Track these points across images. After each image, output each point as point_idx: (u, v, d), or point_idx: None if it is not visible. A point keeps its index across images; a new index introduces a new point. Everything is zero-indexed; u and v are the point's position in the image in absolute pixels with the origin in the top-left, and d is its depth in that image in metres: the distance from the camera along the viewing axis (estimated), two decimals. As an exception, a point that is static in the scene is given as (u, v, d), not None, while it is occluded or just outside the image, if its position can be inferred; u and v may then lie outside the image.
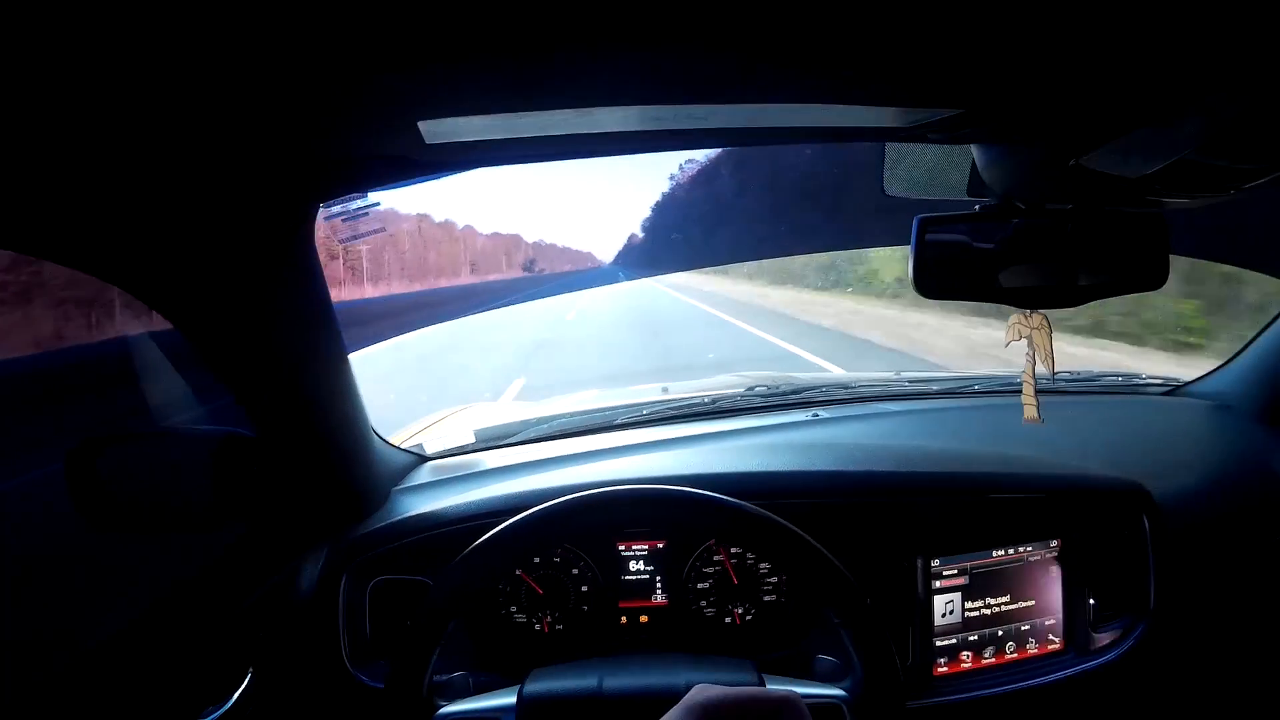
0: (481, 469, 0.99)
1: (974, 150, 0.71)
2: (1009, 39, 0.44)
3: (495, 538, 0.68)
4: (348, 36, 0.36)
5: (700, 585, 0.89)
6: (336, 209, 0.67)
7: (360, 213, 0.68)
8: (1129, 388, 1.23)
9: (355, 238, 0.74)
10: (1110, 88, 0.53)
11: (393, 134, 0.50)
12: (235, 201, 0.60)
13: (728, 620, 0.89)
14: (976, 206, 0.73)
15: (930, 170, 0.76)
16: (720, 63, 0.46)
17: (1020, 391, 1.16)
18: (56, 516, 0.89)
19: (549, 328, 11.05)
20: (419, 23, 0.34)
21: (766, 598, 0.88)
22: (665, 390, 1.28)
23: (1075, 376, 1.24)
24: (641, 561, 0.88)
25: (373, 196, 0.65)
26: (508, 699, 0.69)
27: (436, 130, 0.49)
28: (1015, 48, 0.46)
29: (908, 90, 0.55)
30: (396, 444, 1.02)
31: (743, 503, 0.69)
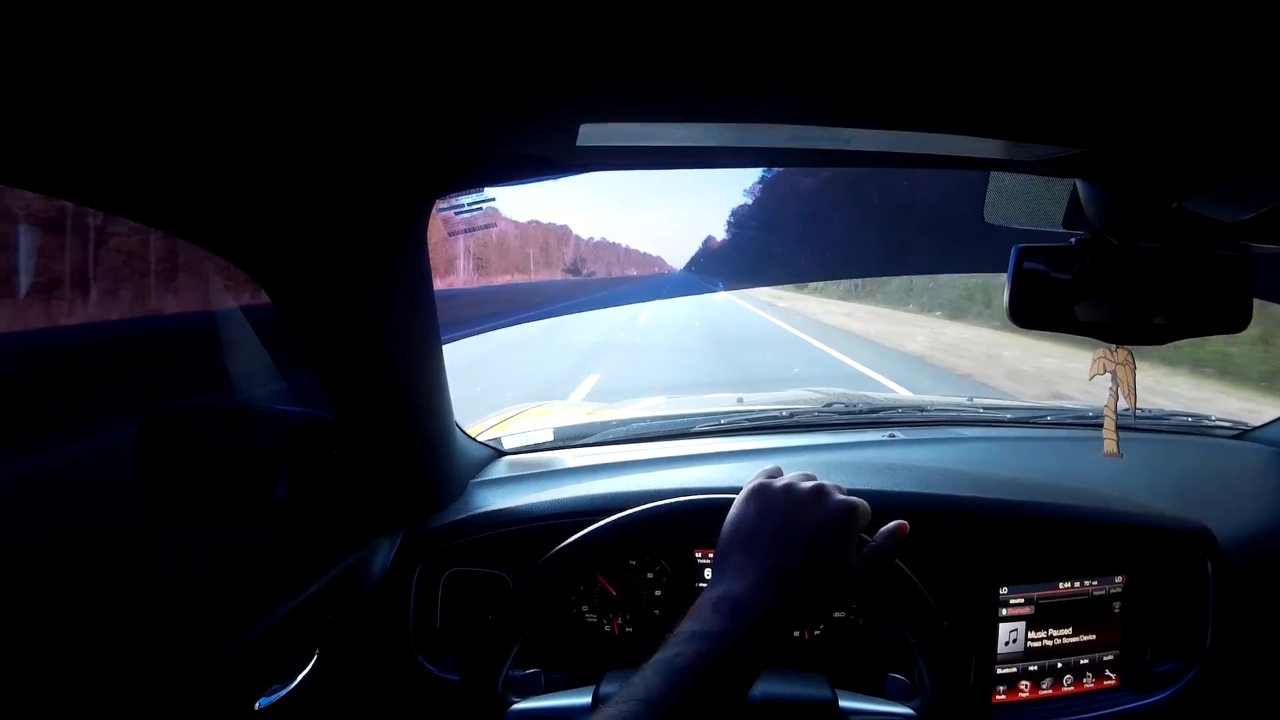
0: (559, 467, 1.02)
1: (1078, 184, 0.73)
2: (1136, 81, 0.47)
3: (583, 540, 0.70)
4: (527, 38, 0.38)
5: None
6: (448, 202, 0.70)
7: (475, 207, 0.70)
8: (1197, 429, 1.25)
9: (468, 231, 0.77)
10: (1225, 137, 0.56)
11: (548, 136, 0.53)
12: (362, 186, 0.63)
13: (797, 634, 0.91)
14: (1072, 239, 0.75)
15: (1030, 201, 0.79)
16: (867, 89, 0.49)
17: (1091, 425, 1.20)
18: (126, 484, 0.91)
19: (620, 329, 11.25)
20: (601, 28, 0.37)
21: (836, 614, 0.91)
22: (740, 400, 1.31)
23: (1145, 414, 1.26)
24: None
25: (487, 192, 0.68)
26: (582, 699, 0.72)
27: (593, 134, 0.52)
28: (1145, 92, 0.49)
29: (1032, 127, 0.58)
30: (474, 436, 1.05)
31: None
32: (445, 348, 0.84)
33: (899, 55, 0.42)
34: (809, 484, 0.62)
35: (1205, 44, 0.39)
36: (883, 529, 0.63)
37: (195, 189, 0.58)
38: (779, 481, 0.62)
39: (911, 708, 0.73)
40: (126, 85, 0.42)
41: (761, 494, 0.61)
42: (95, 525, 0.91)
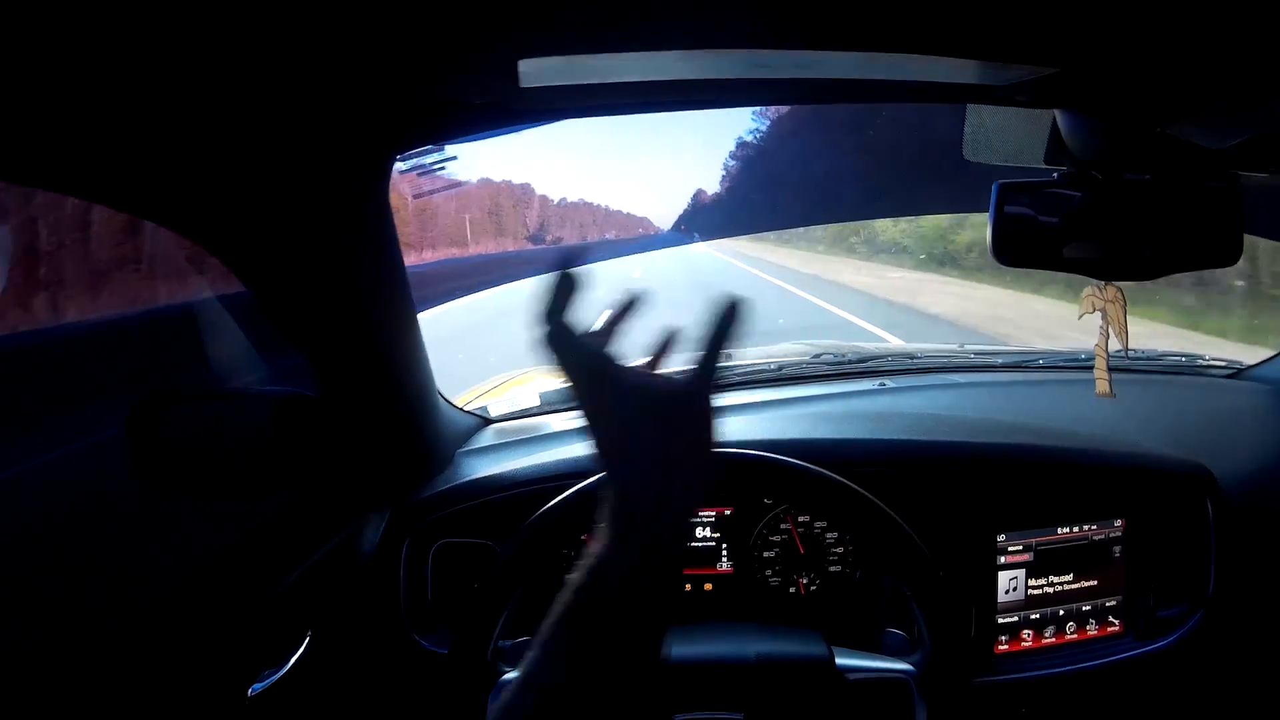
0: (546, 431, 1.02)
1: (1058, 115, 0.72)
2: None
3: (564, 501, 0.70)
4: None
5: (766, 554, 0.91)
6: (410, 163, 0.69)
7: (437, 166, 0.69)
8: (1192, 368, 1.25)
9: (430, 193, 0.76)
10: (1208, 56, 0.55)
11: (489, 76, 0.52)
12: (313, 151, 0.62)
13: (792, 590, 0.91)
14: (1055, 174, 0.74)
15: (1010, 136, 0.78)
16: (829, 4, 0.47)
17: (1083, 367, 1.19)
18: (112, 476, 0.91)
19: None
20: None
21: (832, 568, 0.90)
22: (729, 355, 1.30)
23: (1137, 354, 1.26)
24: (708, 528, 0.90)
25: (448, 150, 0.67)
26: None
27: (535, 71, 0.50)
28: (1119, 6, 0.48)
29: (1007, 45, 0.57)
30: (460, 406, 1.04)
31: (821, 469, 0.71)
32: (431, 316, 0.83)
33: None
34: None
35: None
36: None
37: (151, 167, 0.57)
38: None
39: (910, 663, 0.72)
40: (70, 54, 0.41)
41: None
42: (83, 513, 0.91)
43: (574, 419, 1.07)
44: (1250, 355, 1.25)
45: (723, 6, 0.45)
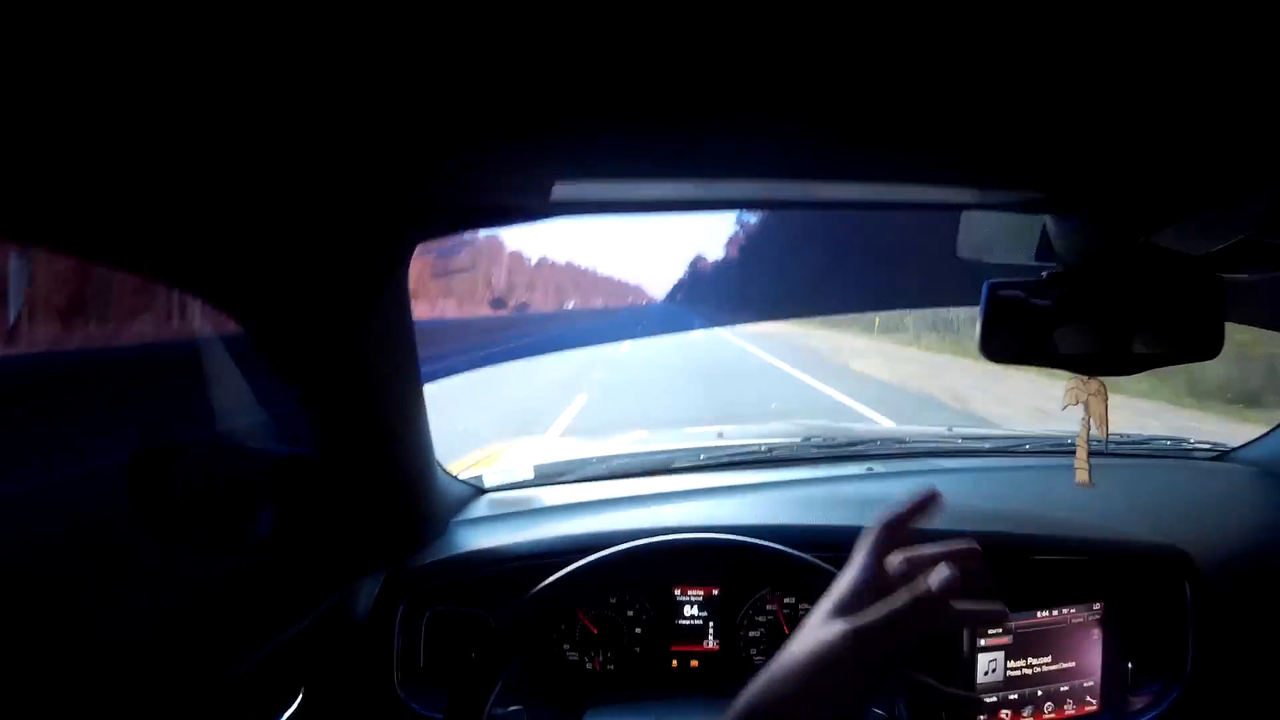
0: (540, 506, 1.05)
1: (1047, 221, 0.76)
2: (1096, 126, 0.50)
3: (564, 579, 0.72)
4: (506, 101, 0.40)
5: (752, 633, 0.93)
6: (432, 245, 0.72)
7: (455, 249, 0.72)
8: (1177, 452, 1.28)
9: (447, 274, 0.79)
10: (1189, 172, 0.59)
11: (525, 191, 0.55)
12: (345, 230, 0.65)
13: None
14: (1043, 273, 0.78)
15: (1001, 237, 0.81)
16: (830, 146, 0.52)
17: (1068, 453, 1.22)
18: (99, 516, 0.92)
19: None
20: (573, 90, 0.39)
21: None
22: (720, 435, 1.33)
23: (1124, 439, 1.29)
24: (696, 607, 0.93)
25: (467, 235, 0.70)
26: None
27: (566, 190, 0.54)
28: (1102, 134, 0.52)
29: (996, 175, 0.61)
30: (455, 474, 1.07)
31: (802, 555, 0.74)
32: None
33: (862, 115, 0.45)
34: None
35: (1158, 90, 0.41)
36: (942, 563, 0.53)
37: (179, 236, 0.60)
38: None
39: None
40: (110, 126, 0.44)
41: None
42: (72, 562, 0.92)
43: (566, 493, 1.11)
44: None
45: (738, 145, 0.49)
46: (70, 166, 0.48)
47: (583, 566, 0.72)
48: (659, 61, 0.35)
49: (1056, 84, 0.40)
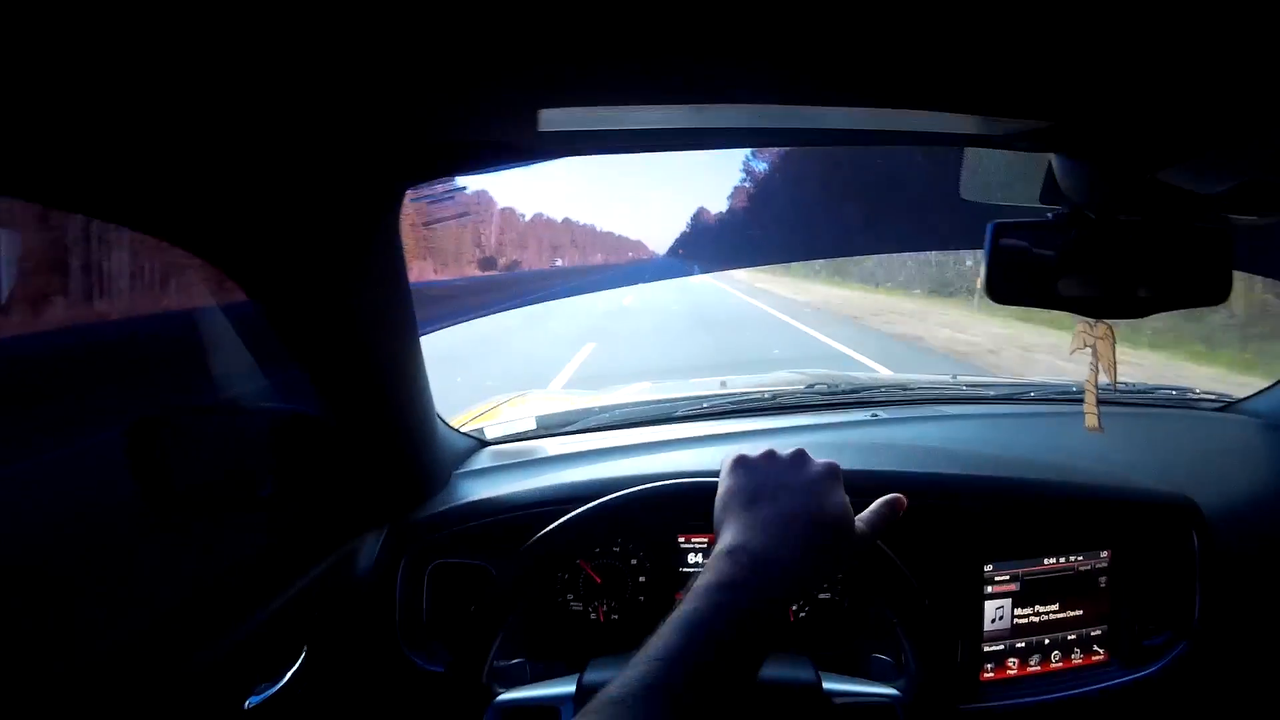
0: (542, 455, 1.04)
1: (1053, 159, 0.74)
2: (1105, 54, 0.48)
3: (564, 525, 0.72)
4: (484, 23, 0.39)
5: None
6: (423, 191, 0.71)
7: (445, 196, 0.71)
8: (1182, 402, 1.27)
9: (438, 221, 0.78)
10: (1199, 107, 0.57)
11: (509, 121, 0.54)
12: (330, 178, 0.64)
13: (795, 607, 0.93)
14: (1049, 215, 0.76)
15: (1005, 177, 0.80)
16: (831, 67, 0.50)
17: (1074, 400, 1.22)
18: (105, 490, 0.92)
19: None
20: (556, 13, 0.38)
21: (821, 595, 0.93)
22: (723, 384, 1.33)
23: (1130, 388, 1.28)
24: (700, 554, 0.93)
25: (458, 180, 0.69)
26: (566, 688, 0.73)
27: (554, 119, 0.52)
28: (1110, 63, 0.50)
29: (1003, 100, 0.59)
30: (457, 427, 1.06)
31: None
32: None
33: (863, 32, 0.43)
34: (787, 451, 0.65)
35: (1173, 15, 0.40)
36: (881, 499, 0.67)
37: (165, 186, 0.59)
38: (756, 452, 0.65)
39: (896, 688, 0.74)
40: (91, 77, 0.43)
41: (745, 462, 0.63)
42: (80, 527, 0.92)
43: (569, 443, 1.10)
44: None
45: (734, 67, 0.47)
46: (49, 118, 0.46)
47: (584, 512, 0.71)
48: None
49: (1067, 3, 0.39)
